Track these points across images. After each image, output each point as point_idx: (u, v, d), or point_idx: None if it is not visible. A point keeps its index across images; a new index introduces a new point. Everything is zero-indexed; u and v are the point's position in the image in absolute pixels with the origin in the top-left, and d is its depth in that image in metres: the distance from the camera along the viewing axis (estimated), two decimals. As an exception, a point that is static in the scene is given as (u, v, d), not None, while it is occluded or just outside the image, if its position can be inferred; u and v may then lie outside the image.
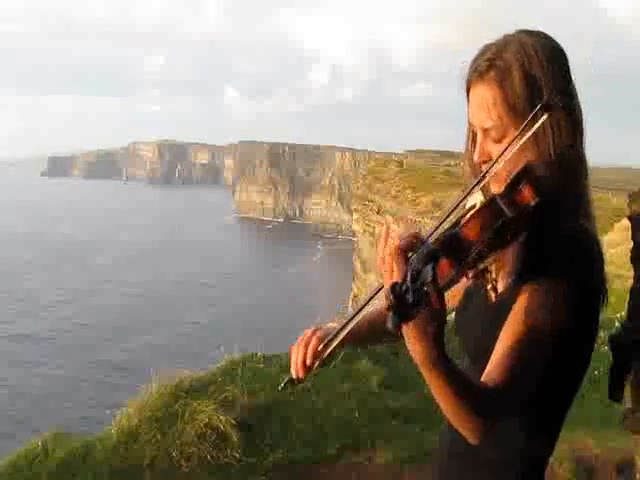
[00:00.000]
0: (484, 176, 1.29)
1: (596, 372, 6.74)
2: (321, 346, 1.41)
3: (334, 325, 1.49)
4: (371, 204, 49.72)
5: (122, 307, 58.10)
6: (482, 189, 1.40)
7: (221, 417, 5.28)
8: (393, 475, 5.17)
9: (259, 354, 6.85)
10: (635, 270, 3.33)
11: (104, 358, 44.16)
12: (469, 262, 1.18)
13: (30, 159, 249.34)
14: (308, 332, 1.49)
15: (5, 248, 79.93)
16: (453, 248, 1.16)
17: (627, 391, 3.18)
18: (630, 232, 3.42)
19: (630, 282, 3.38)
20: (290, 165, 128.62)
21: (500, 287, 1.38)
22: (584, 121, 1.36)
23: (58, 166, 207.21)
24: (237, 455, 5.17)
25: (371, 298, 1.26)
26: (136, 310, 57.38)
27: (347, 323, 1.31)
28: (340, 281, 58.87)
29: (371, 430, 5.74)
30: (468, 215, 1.20)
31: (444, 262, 1.14)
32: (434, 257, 1.08)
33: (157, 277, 70.50)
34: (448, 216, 1.24)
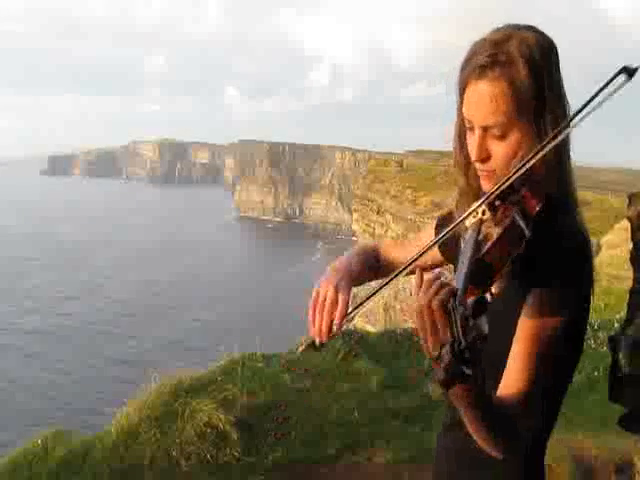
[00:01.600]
0: (502, 184, 1.23)
1: (595, 373, 6.75)
2: (350, 310, 1.35)
3: (349, 270, 1.48)
4: (371, 204, 49.68)
5: (121, 306, 58.05)
6: (473, 190, 1.40)
7: (221, 416, 5.29)
8: (393, 475, 5.17)
9: (258, 353, 6.86)
10: (634, 271, 3.33)
11: (103, 357, 44.15)
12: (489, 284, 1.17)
13: (30, 158, 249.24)
14: (329, 292, 1.40)
15: (5, 247, 79.89)
16: (478, 278, 1.12)
17: (626, 392, 3.18)
18: (629, 233, 3.43)
19: (629, 283, 3.39)
20: (290, 165, 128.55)
21: (494, 289, 1.38)
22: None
23: (58, 165, 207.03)
24: (237, 454, 5.17)
25: (406, 267, 1.26)
26: (135, 309, 57.34)
27: (376, 292, 1.29)
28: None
29: (371, 430, 5.75)
30: (490, 241, 1.16)
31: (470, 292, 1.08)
32: (484, 305, 1.00)
33: (157, 276, 70.45)
34: (451, 230, 1.25)
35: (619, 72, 1.08)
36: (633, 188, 3.76)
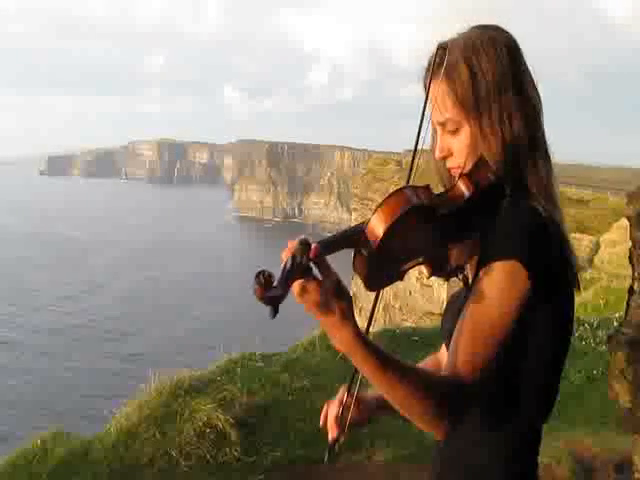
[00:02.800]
0: (411, 165, 1.36)
1: (595, 372, 6.75)
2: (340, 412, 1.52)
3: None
4: (370, 203, 49.65)
5: (120, 306, 58.02)
6: (445, 185, 1.47)
7: (220, 416, 5.29)
8: (392, 474, 5.17)
9: (258, 353, 6.86)
10: (633, 270, 3.33)
11: (102, 357, 44.12)
12: (380, 251, 1.20)
13: (29, 158, 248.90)
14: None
15: (4, 247, 79.86)
16: (357, 243, 1.21)
17: (625, 391, 3.19)
18: (628, 232, 3.43)
19: (628, 282, 3.39)
20: (289, 164, 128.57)
21: (471, 278, 1.39)
22: (541, 109, 1.40)
23: (57, 165, 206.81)
24: (236, 454, 5.18)
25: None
26: (134, 309, 57.33)
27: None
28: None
29: (370, 429, 5.75)
30: (376, 207, 1.22)
31: (358, 258, 1.23)
32: (307, 243, 1.09)
33: (156, 276, 70.43)
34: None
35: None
36: (632, 187, 3.76)
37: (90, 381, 39.31)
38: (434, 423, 1.21)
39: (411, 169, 1.36)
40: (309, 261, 1.09)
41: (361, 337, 1.17)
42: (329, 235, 1.25)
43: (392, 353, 1.22)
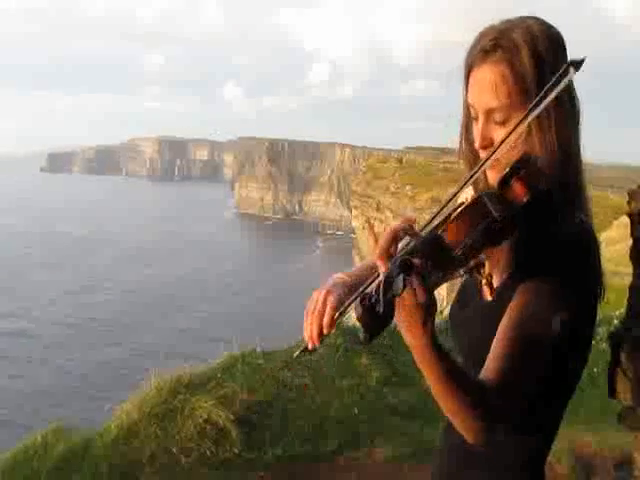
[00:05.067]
0: (482, 165, 1.24)
1: (595, 369, 6.75)
2: (337, 315, 1.33)
3: (343, 279, 1.45)
4: (370, 200, 49.72)
5: (121, 303, 58.06)
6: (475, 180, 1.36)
7: (220, 413, 5.29)
8: (393, 471, 5.18)
9: (258, 350, 6.86)
10: (634, 267, 3.33)
11: (103, 354, 44.16)
12: (454, 263, 1.17)
13: (29, 155, 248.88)
14: (320, 298, 1.37)
15: (5, 245, 79.86)
16: (434, 251, 1.14)
17: (626, 388, 3.19)
18: (629, 229, 3.43)
19: (629, 279, 3.39)
20: (290, 161, 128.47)
21: (495, 283, 1.36)
22: (581, 112, 1.33)
23: (57, 162, 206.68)
24: (237, 451, 5.18)
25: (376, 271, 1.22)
26: (135, 306, 57.34)
27: (363, 290, 1.23)
28: (339, 278, 58.68)
29: (370, 426, 5.76)
30: (454, 214, 1.17)
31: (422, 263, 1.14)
32: (408, 266, 1.07)
33: (156, 273, 70.45)
34: (442, 209, 1.22)
35: (568, 66, 1.15)
36: (632, 184, 3.75)
37: (90, 378, 39.35)
38: (471, 432, 1.21)
39: (476, 171, 1.25)
40: (405, 289, 1.07)
41: (434, 344, 1.15)
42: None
43: (449, 355, 1.19)
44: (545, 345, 1.23)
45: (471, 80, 1.33)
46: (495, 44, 1.28)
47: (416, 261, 1.08)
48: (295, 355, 1.42)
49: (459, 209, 1.18)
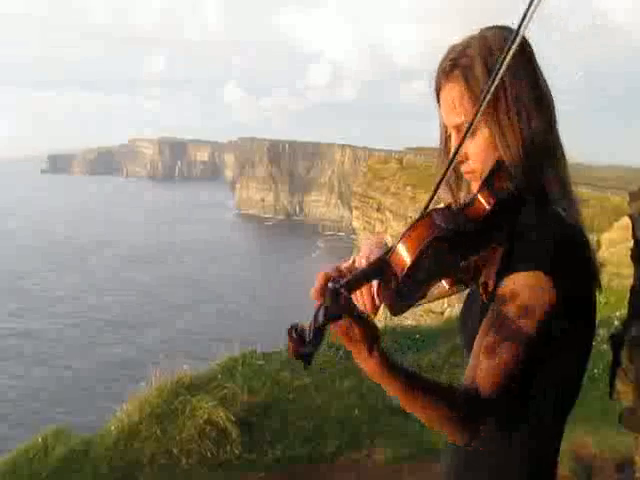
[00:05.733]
0: (447, 170, 1.29)
1: (595, 370, 6.76)
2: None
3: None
4: (371, 201, 49.70)
5: (122, 304, 58.04)
6: (452, 190, 1.45)
7: (221, 414, 5.29)
8: (393, 472, 5.18)
9: (258, 351, 6.86)
10: (635, 269, 3.33)
11: (104, 355, 44.17)
12: (409, 278, 1.19)
13: (30, 157, 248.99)
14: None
15: (6, 246, 79.91)
16: (380, 274, 1.20)
17: (627, 389, 3.19)
18: (630, 231, 3.43)
19: (630, 281, 3.39)
20: (290, 162, 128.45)
21: (490, 286, 1.37)
22: (555, 107, 1.36)
23: (58, 164, 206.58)
24: (237, 452, 5.18)
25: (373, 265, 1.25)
26: (136, 307, 57.34)
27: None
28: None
29: (370, 427, 5.75)
30: (402, 233, 1.21)
31: (379, 287, 1.22)
32: (335, 297, 1.09)
33: (157, 274, 70.46)
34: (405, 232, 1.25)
35: (509, 48, 1.22)
36: (632, 186, 3.75)
37: (91, 379, 39.34)
38: (455, 435, 1.25)
39: (435, 191, 1.31)
40: (339, 311, 1.10)
41: (385, 366, 1.18)
42: (348, 265, 1.26)
43: (414, 371, 1.23)
44: (526, 343, 1.24)
45: (440, 101, 1.40)
46: (453, 64, 1.35)
47: (344, 291, 1.11)
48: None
49: (406, 228, 1.23)
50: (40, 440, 5.21)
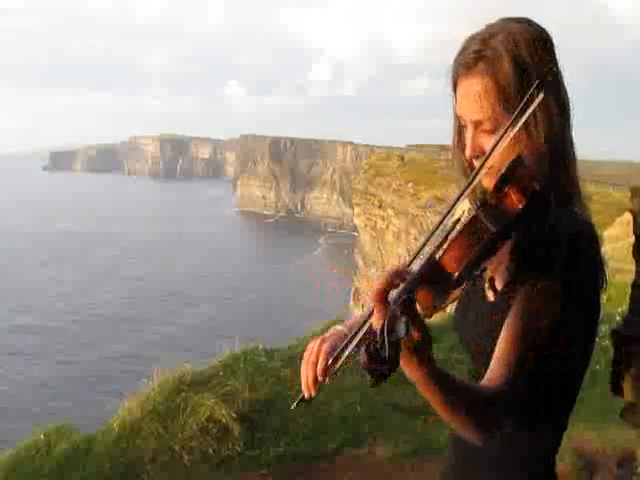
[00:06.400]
0: (475, 177, 1.24)
1: (597, 366, 6.75)
2: (330, 360, 1.31)
3: (340, 330, 1.44)
4: (372, 198, 49.66)
5: (122, 301, 58.11)
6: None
7: (223, 411, 5.30)
8: (394, 469, 5.18)
9: (260, 348, 6.86)
10: (637, 264, 3.33)
11: (105, 352, 44.21)
12: (456, 285, 1.18)
13: (32, 154, 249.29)
14: (315, 346, 1.36)
15: (8, 242, 79.97)
16: (433, 278, 1.15)
17: (628, 385, 3.19)
18: (632, 226, 3.42)
19: (631, 276, 3.39)
20: (291, 159, 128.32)
21: (498, 285, 1.37)
22: (570, 106, 1.34)
23: (60, 161, 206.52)
24: (238, 448, 5.19)
25: (370, 315, 1.20)
26: (137, 304, 57.38)
27: (355, 334, 1.22)
28: (341, 275, 58.86)
29: (372, 424, 5.76)
30: (451, 236, 1.17)
31: (423, 293, 1.15)
32: (409, 307, 1.07)
33: (158, 271, 70.49)
34: (435, 230, 1.22)
35: (539, 84, 1.22)
36: (633, 181, 3.75)
37: (92, 376, 39.39)
38: (474, 435, 1.24)
39: (458, 198, 1.24)
40: (415, 322, 1.07)
41: (432, 375, 1.16)
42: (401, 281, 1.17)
43: (448, 373, 1.21)
44: (549, 346, 1.24)
45: (458, 91, 1.36)
46: (477, 56, 1.30)
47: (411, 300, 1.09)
48: (292, 406, 1.42)
49: (456, 229, 1.18)
50: (42, 437, 5.22)
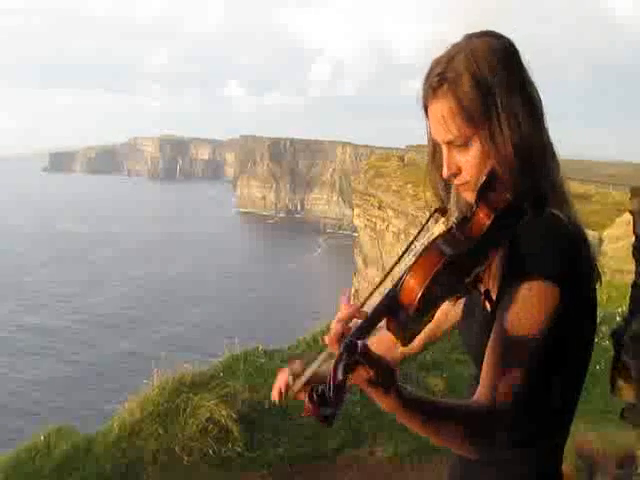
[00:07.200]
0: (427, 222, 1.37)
1: (597, 367, 6.75)
2: (290, 380, 1.45)
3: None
4: (372, 199, 49.64)
5: (123, 302, 58.13)
6: (442, 200, 1.46)
7: (222, 412, 5.30)
8: (394, 469, 5.18)
9: (260, 349, 6.86)
10: (636, 265, 3.33)
11: (105, 353, 44.24)
12: (418, 310, 1.19)
13: (31, 155, 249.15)
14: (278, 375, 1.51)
15: (9, 243, 79.97)
16: (392, 310, 1.20)
17: (628, 385, 3.19)
18: (631, 226, 3.42)
19: (631, 277, 3.39)
20: (291, 160, 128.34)
21: (493, 295, 1.37)
22: (543, 108, 1.36)
23: (59, 162, 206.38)
24: (238, 449, 5.19)
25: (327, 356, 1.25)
26: (137, 305, 57.37)
27: (314, 362, 1.29)
28: (341, 276, 58.86)
29: (372, 424, 5.75)
30: (408, 268, 1.20)
31: (391, 324, 1.20)
32: (351, 349, 1.08)
33: (158, 272, 70.49)
34: (387, 274, 1.26)
35: (434, 212, 1.36)
36: (633, 181, 3.74)
37: (92, 377, 39.41)
38: (469, 452, 1.25)
39: (406, 248, 1.30)
40: (357, 362, 1.09)
41: (401, 403, 1.18)
42: (365, 308, 1.24)
43: (429, 399, 1.23)
44: (535, 352, 1.24)
45: (429, 115, 1.39)
46: (440, 79, 1.33)
47: (359, 342, 1.10)
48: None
49: (418, 254, 1.22)
50: (42, 437, 5.23)
